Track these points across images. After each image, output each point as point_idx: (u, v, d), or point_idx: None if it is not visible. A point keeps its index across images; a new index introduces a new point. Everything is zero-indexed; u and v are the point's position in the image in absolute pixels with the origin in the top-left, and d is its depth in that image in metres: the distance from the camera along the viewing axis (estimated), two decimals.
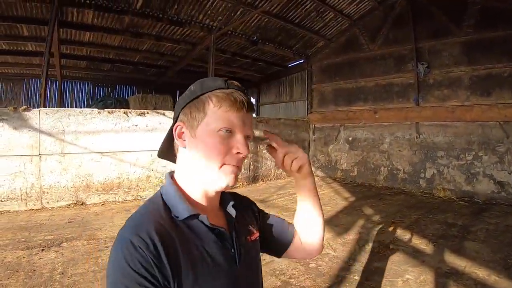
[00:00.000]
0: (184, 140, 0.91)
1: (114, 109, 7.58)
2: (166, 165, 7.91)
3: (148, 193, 7.66)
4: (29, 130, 6.52)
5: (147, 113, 7.95)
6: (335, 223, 5.59)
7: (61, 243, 4.46)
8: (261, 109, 15.87)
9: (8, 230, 4.95)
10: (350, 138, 10.59)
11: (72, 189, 6.90)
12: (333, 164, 11.05)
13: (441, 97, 8.46)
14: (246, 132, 0.91)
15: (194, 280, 0.80)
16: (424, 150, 8.72)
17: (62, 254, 4.07)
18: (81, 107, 13.93)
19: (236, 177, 0.90)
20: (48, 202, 6.65)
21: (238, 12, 9.20)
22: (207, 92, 0.90)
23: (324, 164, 11.31)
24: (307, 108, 12.09)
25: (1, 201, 6.23)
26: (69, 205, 6.74)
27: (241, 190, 8.55)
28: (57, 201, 6.74)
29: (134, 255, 0.72)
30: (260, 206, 1.22)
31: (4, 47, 10.32)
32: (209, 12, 9.12)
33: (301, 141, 11.57)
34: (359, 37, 10.45)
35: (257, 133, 9.97)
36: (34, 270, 3.58)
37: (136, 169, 7.67)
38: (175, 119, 0.95)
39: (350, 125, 10.62)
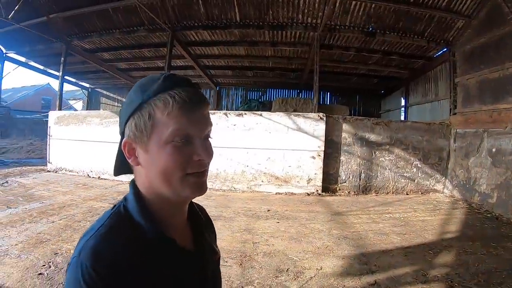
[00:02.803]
0: (137, 157, 0.75)
1: (216, 110, 8.39)
2: (260, 163, 7.99)
3: (241, 187, 8.08)
4: None
5: (245, 114, 8.23)
6: None
7: None
8: (409, 111, 12.18)
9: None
10: (494, 150, 6.70)
11: None
12: (471, 183, 7.30)
13: None
14: (204, 132, 0.76)
15: None
16: None
17: None
18: (234, 109, 14.85)
19: (204, 184, 0.77)
20: None
21: (337, 4, 7.77)
22: (149, 99, 0.71)
23: (462, 183, 7.63)
24: (450, 108, 8.46)
25: None
26: None
27: (342, 199, 7.46)
28: None
29: (96, 284, 0.62)
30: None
31: (142, 65, 12.70)
32: (305, 10, 8.20)
33: (436, 150, 8.23)
34: (502, 4, 6.40)
35: (373, 137, 8.10)
36: None
37: (232, 164, 8.07)
38: (121, 134, 0.78)
39: (494, 130, 6.72)
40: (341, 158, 8.12)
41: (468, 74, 7.77)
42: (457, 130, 8.02)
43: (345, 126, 8.18)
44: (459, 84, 8.21)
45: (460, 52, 8.22)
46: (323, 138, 7.88)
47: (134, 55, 11.59)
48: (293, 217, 5.74)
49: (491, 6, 6.90)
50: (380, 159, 8.16)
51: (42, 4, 8.44)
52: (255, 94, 16.54)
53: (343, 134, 8.13)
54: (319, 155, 7.86)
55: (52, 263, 3.33)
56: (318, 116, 7.99)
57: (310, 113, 8.29)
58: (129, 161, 0.76)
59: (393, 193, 8.09)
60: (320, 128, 7.88)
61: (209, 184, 7.68)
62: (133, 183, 0.79)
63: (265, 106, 13.47)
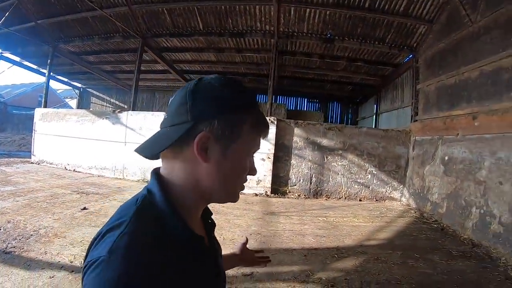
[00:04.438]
0: (207, 154, 0.66)
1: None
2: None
3: None
4: (120, 125, 8.25)
5: None
6: None
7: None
8: (380, 118, 11.45)
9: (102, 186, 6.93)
10: (446, 158, 6.01)
11: (142, 169, 7.96)
12: (425, 192, 6.60)
13: None
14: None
15: None
16: None
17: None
18: None
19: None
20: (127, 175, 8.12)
21: (292, 12, 7.55)
22: (245, 112, 0.69)
23: (417, 191, 6.92)
24: (412, 115, 7.79)
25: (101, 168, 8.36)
26: (138, 180, 7.88)
27: (288, 201, 6.98)
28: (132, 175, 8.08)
29: None
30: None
31: (125, 68, 12.34)
32: (262, 18, 7.94)
33: (393, 157, 7.53)
34: (459, 7, 5.77)
35: (325, 141, 7.51)
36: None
37: None
38: (193, 120, 0.65)
39: (448, 138, 6.04)
40: (292, 162, 7.54)
41: (428, 80, 7.12)
42: (416, 137, 7.34)
43: (296, 131, 7.59)
44: (420, 90, 7.55)
45: (422, 58, 7.59)
46: (274, 142, 7.38)
47: (116, 58, 11.56)
48: (225, 213, 5.33)
49: (450, 10, 6.29)
50: (332, 164, 7.51)
51: (31, 11, 8.95)
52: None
53: (295, 138, 7.58)
54: (269, 158, 7.33)
55: (4, 228, 3.87)
56: (269, 120, 7.41)
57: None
58: (197, 154, 0.64)
59: (345, 198, 7.40)
60: (270, 131, 7.30)
61: None
62: (159, 176, 0.69)
63: None
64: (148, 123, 7.99)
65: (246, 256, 1.22)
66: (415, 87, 7.72)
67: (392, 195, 7.54)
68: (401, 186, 7.57)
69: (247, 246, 1.25)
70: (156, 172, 0.70)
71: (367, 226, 5.29)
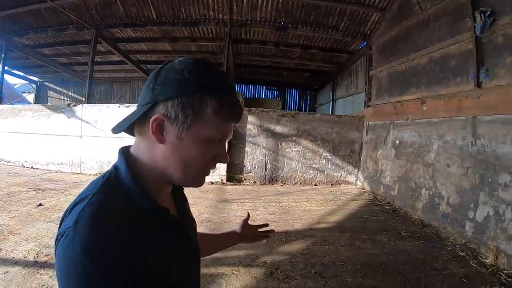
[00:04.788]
0: (163, 136, 0.64)
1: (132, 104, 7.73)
2: None
3: None
4: (75, 119, 7.76)
5: None
6: None
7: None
8: (336, 104, 11.65)
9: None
10: (397, 142, 6.14)
11: (99, 162, 7.61)
12: (378, 175, 6.74)
13: None
14: (229, 137, 0.72)
15: (156, 278, 0.59)
16: (480, 168, 3.91)
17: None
18: None
19: (205, 179, 0.72)
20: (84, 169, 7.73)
21: (245, 0, 7.32)
22: (207, 93, 0.64)
23: (371, 175, 7.07)
24: (365, 101, 7.89)
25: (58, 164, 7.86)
26: (96, 174, 7.36)
27: (243, 188, 6.83)
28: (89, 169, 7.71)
29: (98, 257, 0.51)
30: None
31: (81, 60, 11.41)
32: (215, 7, 7.68)
33: (347, 142, 7.60)
34: None
35: (279, 128, 7.32)
36: None
37: None
38: (151, 101, 0.64)
39: (399, 122, 6.16)
40: (246, 149, 7.35)
41: (380, 67, 7.19)
42: (369, 122, 7.44)
43: (250, 118, 7.38)
44: (373, 77, 7.63)
45: (375, 45, 7.64)
46: None
47: (71, 50, 10.93)
48: None
49: None
50: (287, 150, 7.43)
51: None
52: None
53: (248, 126, 7.38)
54: None
55: None
56: None
57: None
58: (151, 134, 0.64)
59: (301, 184, 7.37)
60: None
61: None
62: (126, 153, 0.69)
63: None
64: (103, 115, 7.58)
65: (247, 232, 1.20)
66: (368, 73, 7.79)
67: (347, 179, 7.63)
68: (356, 170, 7.68)
69: (249, 222, 1.22)
70: (123, 150, 0.70)
71: (319, 210, 5.29)
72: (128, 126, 0.67)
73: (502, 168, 3.56)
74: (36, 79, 16.03)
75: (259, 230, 1.22)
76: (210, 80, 0.65)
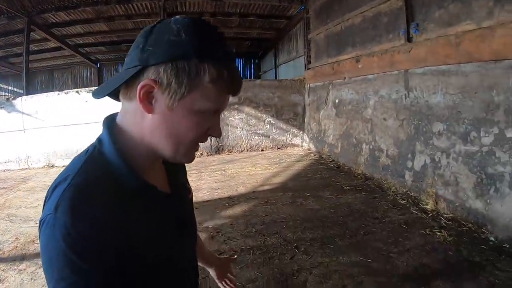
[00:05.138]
0: (151, 105, 0.55)
1: (69, 90, 7.23)
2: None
3: None
4: (16, 113, 7.02)
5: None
6: None
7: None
8: (279, 70, 11.57)
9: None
10: (337, 101, 6.16)
11: (45, 154, 7.10)
12: (322, 135, 6.82)
13: (445, 19, 3.53)
14: (224, 110, 0.63)
15: (143, 260, 0.55)
16: (415, 119, 4.02)
17: None
18: None
19: (195, 154, 0.64)
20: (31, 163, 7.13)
21: None
22: (206, 60, 0.53)
23: (315, 135, 7.14)
24: (305, 64, 7.78)
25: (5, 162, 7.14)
26: (44, 166, 7.00)
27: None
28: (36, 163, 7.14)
29: (78, 245, 0.46)
30: None
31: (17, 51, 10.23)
32: None
33: (290, 106, 7.51)
34: None
35: None
36: None
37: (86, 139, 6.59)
38: (140, 62, 0.54)
39: (337, 82, 6.14)
40: None
41: (318, 29, 7.00)
42: (310, 84, 7.37)
43: None
44: (312, 40, 7.44)
45: (312, 8, 7.37)
46: None
47: (5, 42, 9.78)
48: None
49: None
50: (230, 118, 7.20)
51: None
52: None
53: None
54: None
55: None
56: None
57: None
58: (139, 103, 0.54)
59: (247, 150, 7.28)
60: None
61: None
62: (110, 123, 0.60)
63: None
64: (44, 105, 7.01)
65: (221, 269, 1.09)
66: (307, 37, 7.58)
67: (293, 142, 7.63)
68: (301, 132, 7.69)
69: (231, 264, 1.13)
70: (108, 119, 0.62)
71: (264, 174, 5.29)
72: (112, 91, 0.58)
73: (434, 117, 3.66)
74: None
75: (228, 276, 1.09)
76: (210, 44, 0.54)
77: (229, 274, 1.09)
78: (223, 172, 5.52)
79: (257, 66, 15.01)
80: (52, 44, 10.11)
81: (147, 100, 0.54)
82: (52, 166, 6.97)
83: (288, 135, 7.58)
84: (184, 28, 0.53)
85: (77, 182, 0.51)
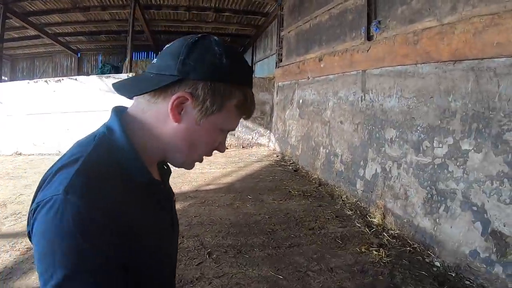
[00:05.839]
0: (179, 115, 0.55)
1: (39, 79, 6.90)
2: (84, 125, 6.04)
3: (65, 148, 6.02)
4: None
5: (63, 79, 6.58)
6: None
7: None
8: (256, 67, 10.97)
9: None
10: (301, 101, 5.62)
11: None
12: (286, 136, 6.28)
13: (407, 16, 3.02)
14: None
15: (145, 255, 0.53)
16: (369, 124, 3.50)
17: None
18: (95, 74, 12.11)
19: None
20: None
21: None
22: (236, 87, 0.56)
23: (280, 136, 6.60)
24: (276, 62, 7.21)
25: None
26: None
27: None
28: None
29: (93, 232, 0.43)
30: None
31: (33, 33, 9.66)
32: None
33: (257, 104, 6.84)
34: None
35: None
36: None
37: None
38: (176, 76, 0.53)
39: (302, 81, 5.60)
40: None
41: (290, 27, 6.43)
42: (279, 83, 6.82)
43: None
44: (284, 37, 6.86)
45: (286, 5, 6.79)
46: None
47: None
48: None
49: None
50: None
51: None
52: (117, 58, 13.00)
53: None
54: None
55: None
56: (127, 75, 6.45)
57: (122, 74, 7.16)
58: (169, 110, 0.53)
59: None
60: None
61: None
62: (121, 114, 0.57)
63: (119, 70, 11.10)
64: (14, 93, 6.41)
65: None
66: (279, 34, 7.00)
67: (259, 141, 7.08)
68: (268, 131, 7.14)
69: None
70: (118, 110, 0.59)
71: (216, 172, 4.77)
72: (143, 93, 0.55)
73: (388, 123, 3.16)
74: None
75: None
76: (242, 71, 0.58)
77: None
78: (176, 169, 4.88)
79: None
80: (32, 32, 9.45)
81: (178, 111, 0.54)
82: (20, 154, 6.25)
83: (254, 134, 7.02)
84: (226, 53, 0.54)
85: (90, 166, 0.47)
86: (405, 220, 2.78)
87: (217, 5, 8.10)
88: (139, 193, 0.54)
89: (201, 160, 0.63)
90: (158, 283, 0.59)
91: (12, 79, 12.04)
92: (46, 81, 6.54)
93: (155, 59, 0.58)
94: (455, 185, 2.32)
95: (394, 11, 3.22)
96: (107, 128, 0.55)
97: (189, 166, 0.62)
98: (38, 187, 0.49)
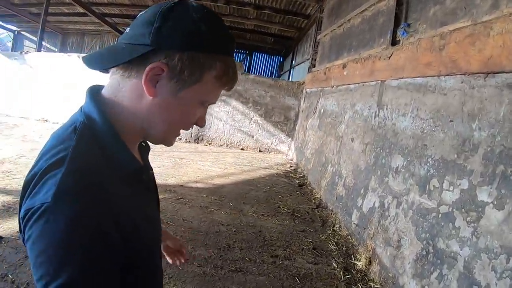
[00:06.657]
0: (155, 88, 0.48)
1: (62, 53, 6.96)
2: None
3: None
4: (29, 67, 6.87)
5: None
6: None
7: None
8: (293, 72, 10.26)
9: None
10: (322, 111, 4.95)
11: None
12: (303, 146, 5.63)
13: (438, 17, 2.27)
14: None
15: (137, 243, 0.49)
16: (377, 146, 2.78)
17: None
18: None
19: None
20: None
21: None
22: (215, 56, 0.50)
23: (299, 145, 5.96)
24: (309, 67, 6.57)
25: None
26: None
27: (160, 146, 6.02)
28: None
29: (89, 234, 0.40)
30: None
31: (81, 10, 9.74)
32: None
33: (282, 108, 6.41)
34: None
35: None
36: None
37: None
38: (149, 46, 0.46)
39: (327, 89, 4.92)
40: None
41: (326, 30, 5.78)
42: (307, 89, 6.20)
43: None
44: (320, 41, 6.23)
45: (327, 8, 6.15)
46: None
47: (39, 0, 9.17)
48: None
49: None
50: (215, 109, 6.25)
51: None
52: None
53: None
54: None
55: None
56: None
57: None
58: (143, 83, 0.47)
59: (227, 146, 6.34)
60: None
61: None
62: (96, 96, 0.51)
63: None
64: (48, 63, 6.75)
65: (175, 246, 0.91)
66: (315, 38, 6.38)
67: (278, 148, 6.53)
68: (289, 139, 6.56)
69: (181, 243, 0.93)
70: (93, 91, 0.52)
71: (214, 171, 4.39)
72: (116, 65, 0.49)
73: (397, 147, 2.44)
74: (14, 28, 14.15)
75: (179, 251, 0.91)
76: (223, 40, 0.51)
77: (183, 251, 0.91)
78: (177, 160, 4.68)
79: (280, 65, 13.79)
80: (80, 9, 9.72)
81: (153, 83, 0.47)
82: (46, 120, 6.69)
83: (274, 139, 6.49)
84: (204, 19, 0.48)
85: (77, 166, 0.42)
86: (390, 275, 2.07)
87: (257, 1, 7.66)
88: (130, 182, 0.50)
89: (178, 135, 0.57)
90: (153, 264, 0.56)
91: (61, 51, 12.62)
92: (78, 56, 6.70)
93: (128, 28, 0.51)
94: (457, 248, 1.59)
95: (425, 13, 2.49)
96: (86, 116, 0.48)
97: (169, 142, 0.56)
98: (22, 190, 0.44)
